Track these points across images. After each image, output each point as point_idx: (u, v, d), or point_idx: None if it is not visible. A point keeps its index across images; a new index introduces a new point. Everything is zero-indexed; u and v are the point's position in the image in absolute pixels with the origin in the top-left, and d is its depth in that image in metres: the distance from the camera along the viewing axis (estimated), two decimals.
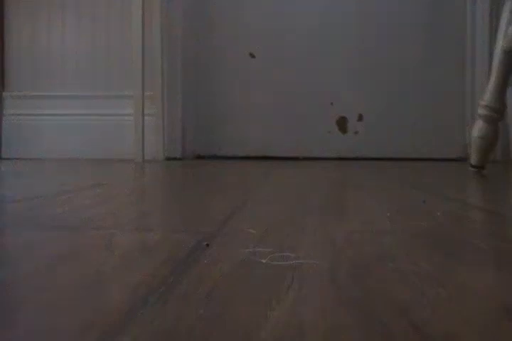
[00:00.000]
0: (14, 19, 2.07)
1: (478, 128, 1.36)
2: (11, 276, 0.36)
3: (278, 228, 0.55)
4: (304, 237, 0.50)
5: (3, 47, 2.08)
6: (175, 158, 2.02)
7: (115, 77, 2.04)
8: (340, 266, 0.38)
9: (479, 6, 1.97)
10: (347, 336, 0.25)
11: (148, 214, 0.67)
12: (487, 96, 1.35)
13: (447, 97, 2.05)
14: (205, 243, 0.46)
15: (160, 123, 2.00)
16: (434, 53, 2.04)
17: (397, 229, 0.55)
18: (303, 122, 2.07)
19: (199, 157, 2.10)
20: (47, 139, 2.05)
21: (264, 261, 0.39)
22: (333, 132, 2.07)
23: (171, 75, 2.01)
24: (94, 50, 2.05)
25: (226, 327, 0.26)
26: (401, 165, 1.74)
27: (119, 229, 0.54)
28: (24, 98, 2.07)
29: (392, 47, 2.05)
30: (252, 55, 2.09)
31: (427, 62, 2.04)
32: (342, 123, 2.08)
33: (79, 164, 1.72)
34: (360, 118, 2.07)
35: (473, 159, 1.38)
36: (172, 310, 0.29)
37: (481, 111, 1.36)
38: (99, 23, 2.05)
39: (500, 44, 1.33)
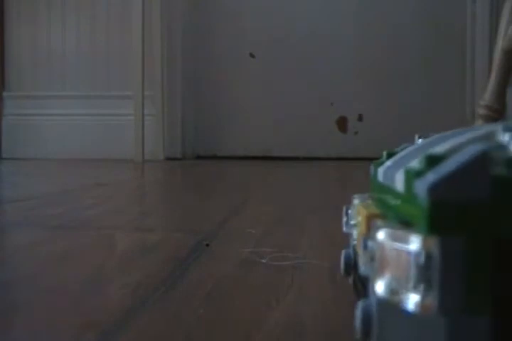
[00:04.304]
0: (14, 19, 2.07)
1: None
2: (11, 276, 0.36)
3: (278, 228, 0.55)
4: (304, 237, 0.50)
5: (3, 47, 2.08)
6: (175, 158, 2.02)
7: (115, 77, 2.03)
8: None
9: (479, 6, 1.97)
10: (347, 336, 0.25)
11: (148, 214, 0.67)
12: (487, 96, 1.35)
13: (447, 97, 2.05)
14: (205, 243, 0.46)
15: (160, 123, 2.00)
16: (434, 53, 2.04)
17: None
18: (303, 122, 2.07)
19: (199, 157, 2.10)
20: (47, 139, 2.05)
21: (264, 261, 0.39)
22: (333, 132, 2.07)
23: (171, 75, 2.01)
24: (94, 50, 2.05)
25: (226, 327, 0.26)
26: None
27: (119, 229, 0.54)
28: (24, 98, 2.07)
29: (392, 47, 2.05)
30: (252, 55, 2.09)
31: (427, 62, 2.04)
32: (342, 123, 2.08)
33: (79, 164, 1.72)
34: (360, 118, 2.07)
35: None
36: (172, 310, 0.29)
37: (481, 111, 1.36)
38: (99, 23, 2.04)
39: (500, 44, 1.33)
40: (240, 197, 0.82)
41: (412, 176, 0.15)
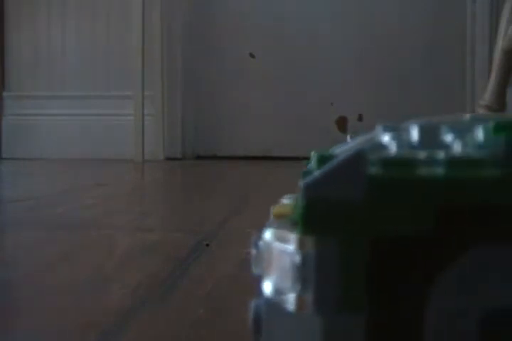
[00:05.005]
0: (14, 19, 2.07)
1: None
2: (11, 276, 0.36)
3: None
4: None
5: (3, 47, 2.07)
6: (175, 158, 2.01)
7: (115, 77, 2.03)
8: None
9: (479, 6, 1.97)
10: None
11: (148, 214, 0.67)
12: (487, 96, 1.35)
13: (447, 97, 2.04)
14: (205, 243, 0.46)
15: (160, 123, 2.00)
16: (434, 53, 2.04)
17: None
18: (303, 122, 2.07)
19: (199, 157, 2.09)
20: (47, 139, 2.05)
21: None
22: (333, 132, 2.07)
23: (171, 75, 2.01)
24: (94, 50, 2.05)
25: (226, 327, 0.26)
26: None
27: (119, 229, 0.54)
28: (24, 98, 2.07)
29: (392, 47, 2.04)
30: (252, 55, 2.09)
31: (427, 62, 2.04)
32: (342, 123, 2.08)
33: (79, 164, 1.72)
34: (360, 118, 2.07)
35: None
36: (172, 310, 0.29)
37: (481, 111, 1.36)
38: (99, 23, 2.04)
39: (500, 44, 1.33)
40: (240, 197, 0.82)
41: (304, 175, 0.15)
